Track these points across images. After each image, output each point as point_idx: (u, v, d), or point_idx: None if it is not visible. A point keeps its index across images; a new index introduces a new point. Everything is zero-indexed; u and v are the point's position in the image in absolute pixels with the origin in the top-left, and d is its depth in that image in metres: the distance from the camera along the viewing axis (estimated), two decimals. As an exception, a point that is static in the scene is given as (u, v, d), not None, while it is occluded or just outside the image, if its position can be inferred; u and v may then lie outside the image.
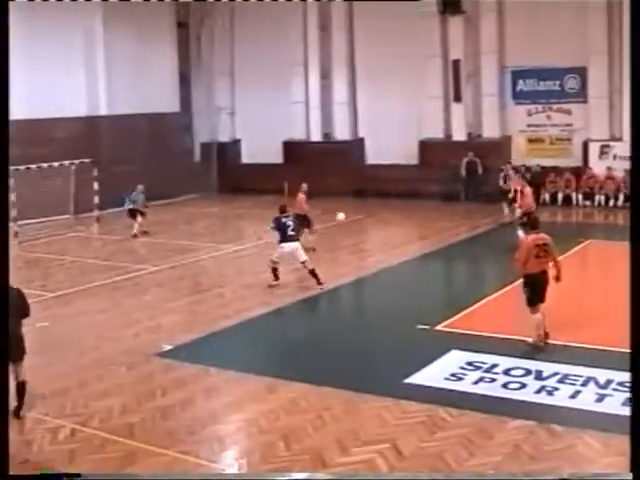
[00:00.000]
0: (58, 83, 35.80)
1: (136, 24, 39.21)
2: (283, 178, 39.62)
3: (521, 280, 16.08)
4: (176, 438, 12.11)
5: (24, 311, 13.49)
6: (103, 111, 38.23)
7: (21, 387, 13.23)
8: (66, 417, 13.12)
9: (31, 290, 22.22)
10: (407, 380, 14.07)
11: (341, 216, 25.08)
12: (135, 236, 30.18)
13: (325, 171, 38.75)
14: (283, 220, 21.65)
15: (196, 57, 44.31)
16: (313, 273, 21.47)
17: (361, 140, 40.96)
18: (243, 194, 39.51)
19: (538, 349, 15.40)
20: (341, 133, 41.03)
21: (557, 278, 15.80)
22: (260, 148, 41.76)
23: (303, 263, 21.71)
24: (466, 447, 11.31)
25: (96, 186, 34.12)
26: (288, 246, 21.49)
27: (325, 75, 40.92)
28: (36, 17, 34.31)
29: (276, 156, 41.50)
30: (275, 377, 14.52)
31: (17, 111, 32.98)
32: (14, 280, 23.56)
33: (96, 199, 34.24)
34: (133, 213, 30.85)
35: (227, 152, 43.52)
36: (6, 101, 6.05)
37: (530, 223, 16.95)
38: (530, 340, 15.67)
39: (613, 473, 10.34)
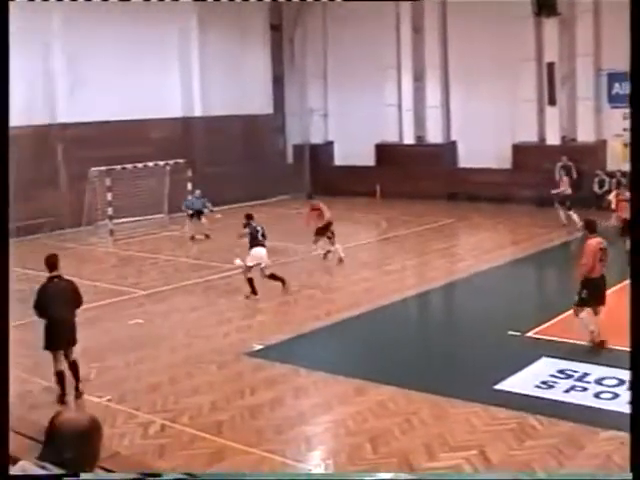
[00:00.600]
0: (154, 84, 36.32)
1: (230, 26, 39.60)
2: (375, 181, 39.68)
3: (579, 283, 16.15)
4: (264, 437, 12.20)
5: (77, 302, 14.45)
6: (197, 112, 38.65)
7: (73, 367, 14.28)
8: (157, 413, 13.33)
9: (124, 287, 22.71)
10: (497, 386, 13.96)
11: (238, 261, 23.95)
12: (192, 238, 30.33)
13: (417, 174, 38.64)
14: (254, 225, 21.83)
15: (289, 59, 44.53)
16: (273, 277, 21.78)
17: (453, 143, 40.70)
18: (335, 196, 39.54)
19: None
20: (434, 136, 40.81)
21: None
22: (352, 150, 41.75)
23: (263, 269, 21.74)
24: (555, 457, 11.16)
25: (190, 186, 34.51)
26: (258, 251, 21.53)
27: (418, 77, 40.73)
28: (132, 18, 34.86)
29: (368, 159, 41.49)
30: (364, 379, 14.54)
31: (113, 112, 33.76)
32: (109, 277, 24.09)
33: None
34: (192, 217, 30.95)
35: (319, 154, 43.60)
36: (6, 102, 6.11)
37: (589, 227, 16.68)
38: (586, 342, 15.81)
39: (613, 473, 10.17)
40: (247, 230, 21.95)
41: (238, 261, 22.04)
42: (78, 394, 14.18)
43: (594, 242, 15.98)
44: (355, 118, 41.70)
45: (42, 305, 14.13)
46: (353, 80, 41.82)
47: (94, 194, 32.69)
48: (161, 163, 34.46)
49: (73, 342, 14.36)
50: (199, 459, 11.43)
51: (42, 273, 14.94)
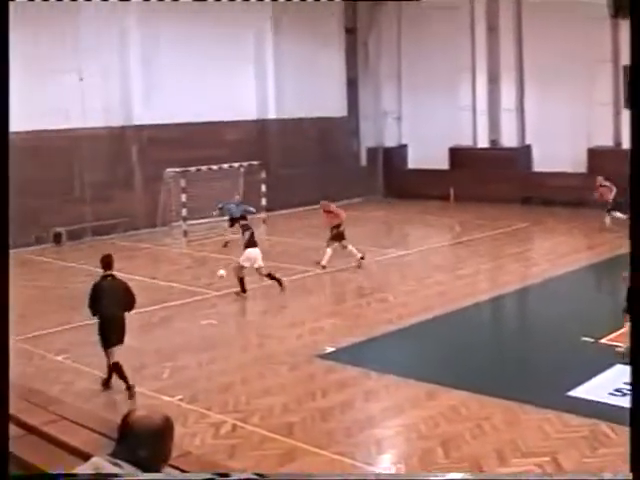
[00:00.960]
0: (228, 86, 36.62)
1: (305, 29, 39.77)
2: (449, 184, 39.50)
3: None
4: (334, 439, 12.21)
5: (128, 302, 14.82)
6: (272, 114, 38.88)
7: (115, 368, 14.57)
8: (228, 413, 13.41)
9: (198, 288, 22.88)
10: (570, 393, 13.80)
11: (221, 272, 23.85)
12: (225, 245, 29.40)
13: (491, 178, 38.40)
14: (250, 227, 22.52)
15: (363, 61, 44.53)
16: (270, 276, 22.27)
17: (528, 147, 40.35)
18: (408, 199, 39.46)
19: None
20: (508, 140, 40.52)
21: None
22: (426, 153, 41.63)
23: (258, 269, 22.12)
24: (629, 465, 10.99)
25: (264, 188, 34.67)
26: (253, 251, 21.95)
27: (493, 79, 40.47)
28: (207, 20, 35.19)
29: (442, 162, 41.33)
30: (435, 383, 14.47)
31: (188, 114, 34.10)
32: (183, 277, 24.27)
33: (263, 201, 34.79)
34: (232, 223, 30.31)
35: (393, 157, 43.57)
36: (6, 103, 6.16)
37: None
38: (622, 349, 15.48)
39: (613, 473, 9.97)
40: (247, 233, 22.34)
41: (222, 272, 22.51)
42: (130, 394, 14.36)
43: None
44: (429, 121, 41.60)
45: (94, 302, 14.76)
46: (427, 82, 41.72)
47: (169, 195, 33.03)
48: (235, 165, 34.70)
49: (119, 341, 14.73)
50: (269, 460, 11.47)
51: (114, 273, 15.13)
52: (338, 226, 25.28)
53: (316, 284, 23.42)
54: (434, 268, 25.51)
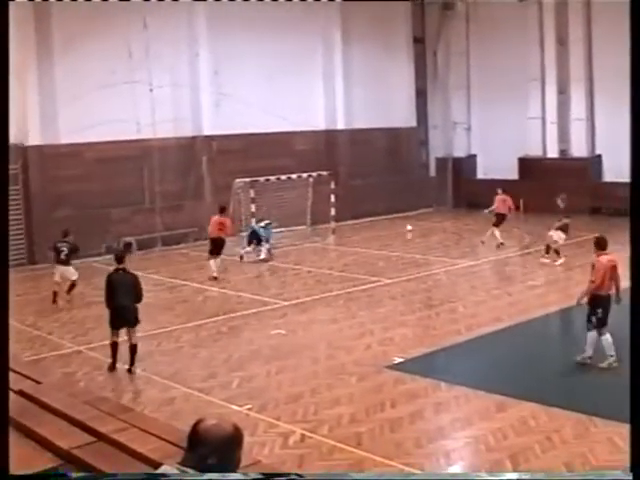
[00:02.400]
0: (297, 96, 36.82)
1: (374, 39, 39.86)
2: (518, 194, 39.15)
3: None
4: (403, 450, 12.20)
5: (138, 293, 16.63)
6: (341, 125, 38.98)
7: (132, 348, 16.55)
8: (297, 423, 13.46)
9: (267, 298, 23.02)
10: (641, 406, 13.62)
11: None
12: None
13: (560, 188, 38.01)
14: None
15: (432, 72, 44.49)
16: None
17: (598, 157, 39.91)
18: (478, 209, 39.20)
19: None
20: (578, 149, 40.12)
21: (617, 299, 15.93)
22: (495, 163, 41.41)
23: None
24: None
25: (333, 198, 34.75)
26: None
27: (562, 90, 40.10)
28: (276, 31, 35.50)
29: (511, 172, 41.00)
30: (505, 395, 14.40)
31: (257, 124, 34.37)
32: (252, 287, 24.39)
33: (333, 211, 34.85)
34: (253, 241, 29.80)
35: (462, 167, 43.40)
36: (6, 104, 6.22)
37: (599, 243, 16.51)
38: (605, 365, 15.58)
39: (613, 473, 9.76)
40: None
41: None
42: (130, 370, 16.47)
43: (605, 259, 15.99)
44: (498, 131, 41.41)
45: (107, 292, 16.72)
46: (496, 93, 41.51)
47: (238, 205, 33.25)
48: (304, 175, 34.79)
49: (134, 323, 16.63)
50: (338, 470, 11.48)
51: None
52: (219, 242, 26.36)
53: (385, 294, 23.39)
54: (504, 279, 25.38)
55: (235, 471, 4.76)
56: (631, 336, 5.16)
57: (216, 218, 26.62)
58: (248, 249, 29.47)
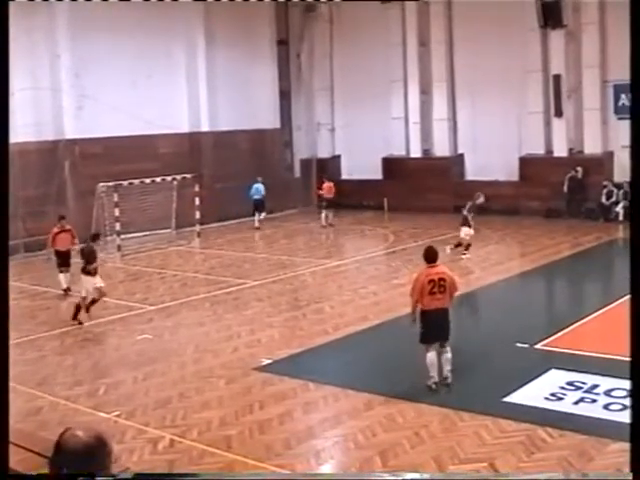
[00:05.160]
0: (161, 99, 36.46)
1: (237, 41, 39.75)
2: (382, 194, 39.71)
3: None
4: (273, 451, 12.19)
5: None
6: (205, 127, 38.76)
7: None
8: (166, 428, 13.32)
9: (132, 303, 22.75)
10: (506, 399, 13.93)
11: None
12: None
13: (424, 187, 38.69)
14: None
15: (296, 74, 44.65)
16: None
17: (461, 156, 40.70)
18: (342, 209, 39.54)
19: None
20: (440, 149, 40.83)
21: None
22: (359, 164, 41.86)
23: None
24: (565, 469, 11.12)
25: (198, 201, 34.54)
26: None
27: (425, 90, 40.74)
28: (139, 33, 35.13)
29: (375, 172, 41.50)
30: (373, 393, 14.52)
31: (121, 127, 33.91)
32: (117, 292, 24.09)
33: (197, 214, 34.64)
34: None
35: (327, 168, 43.67)
36: (6, 105, 6.12)
37: (426, 256, 15.26)
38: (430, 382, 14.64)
39: (613, 473, 10.13)
40: None
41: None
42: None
43: (422, 275, 14.98)
44: (362, 132, 41.83)
45: None
46: (360, 94, 41.94)
47: (102, 210, 32.74)
48: (168, 178, 34.48)
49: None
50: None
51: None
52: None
53: (251, 296, 23.36)
54: (369, 278, 25.59)
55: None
56: (631, 336, 5.24)
57: (61, 234, 24.35)
58: None
